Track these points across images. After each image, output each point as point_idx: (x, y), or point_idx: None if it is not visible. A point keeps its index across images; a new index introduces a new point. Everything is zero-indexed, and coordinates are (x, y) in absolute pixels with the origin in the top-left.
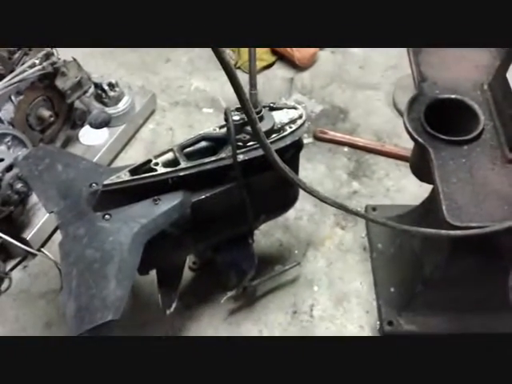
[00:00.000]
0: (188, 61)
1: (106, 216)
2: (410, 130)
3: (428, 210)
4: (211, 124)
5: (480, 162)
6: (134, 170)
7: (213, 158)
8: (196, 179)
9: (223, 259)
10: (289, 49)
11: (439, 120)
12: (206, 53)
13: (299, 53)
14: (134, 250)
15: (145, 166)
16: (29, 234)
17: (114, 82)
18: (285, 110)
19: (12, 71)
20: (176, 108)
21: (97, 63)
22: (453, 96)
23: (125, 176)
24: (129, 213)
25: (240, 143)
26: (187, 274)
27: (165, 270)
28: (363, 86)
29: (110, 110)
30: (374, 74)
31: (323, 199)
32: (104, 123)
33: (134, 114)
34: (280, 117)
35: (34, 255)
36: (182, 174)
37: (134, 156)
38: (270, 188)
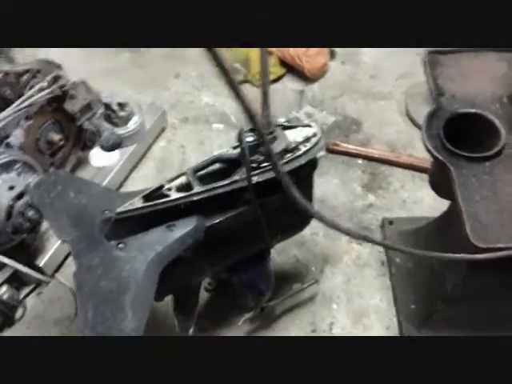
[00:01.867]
0: (197, 76)
1: (120, 245)
2: (430, 147)
3: (447, 223)
4: (221, 141)
5: (504, 178)
6: (147, 196)
7: (226, 182)
8: (210, 203)
9: (239, 280)
10: (298, 60)
11: (458, 134)
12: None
13: (309, 64)
14: (150, 279)
15: (157, 192)
16: (42, 261)
17: (123, 101)
18: (299, 128)
19: (20, 95)
20: (186, 124)
21: (105, 82)
22: (472, 110)
23: (138, 203)
24: (143, 240)
25: (254, 164)
26: (203, 294)
27: (180, 295)
28: (375, 96)
29: (120, 131)
30: (386, 83)
31: (344, 231)
32: (115, 145)
33: (144, 132)
34: (294, 135)
35: (49, 282)
36: (195, 198)
37: (145, 175)
38: (285, 208)
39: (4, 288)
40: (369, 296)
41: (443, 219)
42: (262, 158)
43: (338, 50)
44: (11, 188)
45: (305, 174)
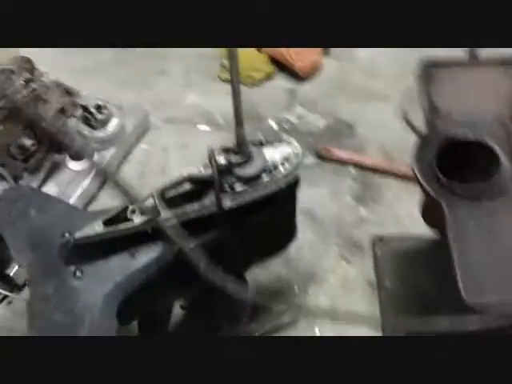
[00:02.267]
0: (183, 73)
1: (78, 273)
2: (421, 180)
3: (440, 250)
4: (205, 144)
5: (503, 220)
6: (109, 220)
7: (195, 207)
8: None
9: (213, 302)
10: (289, 57)
11: (455, 159)
12: (203, 63)
13: (300, 62)
14: (107, 312)
15: (122, 214)
16: (12, 270)
17: (101, 103)
18: (278, 145)
19: None
20: (170, 126)
21: (87, 79)
22: (470, 136)
23: (98, 227)
24: (102, 268)
25: (226, 186)
26: (177, 312)
27: (148, 319)
28: (371, 97)
29: (99, 134)
30: (382, 82)
31: None
32: (87, 155)
33: (124, 135)
34: (272, 154)
35: (20, 291)
36: (160, 224)
37: (125, 180)
38: (264, 229)
39: None
40: (355, 322)
41: (437, 244)
42: (235, 180)
43: None
44: None
45: (284, 196)
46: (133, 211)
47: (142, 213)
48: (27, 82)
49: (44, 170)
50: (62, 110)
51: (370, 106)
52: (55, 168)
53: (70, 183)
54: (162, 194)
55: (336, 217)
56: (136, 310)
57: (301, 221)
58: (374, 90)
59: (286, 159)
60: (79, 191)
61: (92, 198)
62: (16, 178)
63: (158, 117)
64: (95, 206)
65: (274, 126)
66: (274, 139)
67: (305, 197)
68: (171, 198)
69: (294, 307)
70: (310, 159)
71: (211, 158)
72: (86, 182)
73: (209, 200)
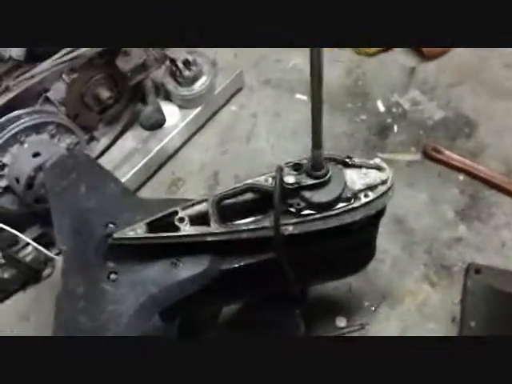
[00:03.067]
0: None
1: (112, 275)
2: None
3: None
4: (301, 116)
5: None
6: (153, 224)
7: (251, 226)
8: (228, 245)
9: (261, 318)
10: None
11: None
12: None
13: None
14: (134, 327)
15: (169, 219)
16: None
17: (191, 59)
18: (364, 169)
19: None
20: (265, 89)
21: None
22: None
23: (140, 230)
24: (139, 275)
25: (292, 209)
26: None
27: (185, 324)
28: (505, 93)
29: (184, 91)
30: None
31: None
32: (156, 125)
33: (211, 96)
34: (355, 178)
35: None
36: (209, 239)
37: (206, 142)
38: (332, 255)
39: (29, 249)
40: None
41: None
42: (303, 204)
43: None
44: (36, 155)
45: (362, 227)
46: (181, 219)
47: (192, 222)
48: None
49: (122, 122)
50: (143, 65)
51: (501, 106)
52: (134, 120)
53: (149, 140)
54: (218, 201)
55: (430, 230)
56: (174, 314)
57: (388, 228)
58: (511, 86)
59: (371, 187)
60: (154, 151)
61: (158, 167)
62: (89, 129)
63: (255, 76)
64: (157, 179)
65: (381, 108)
66: (362, 162)
67: (399, 199)
68: (228, 206)
69: (357, 324)
70: (415, 157)
71: (277, 175)
72: (165, 141)
73: (268, 221)
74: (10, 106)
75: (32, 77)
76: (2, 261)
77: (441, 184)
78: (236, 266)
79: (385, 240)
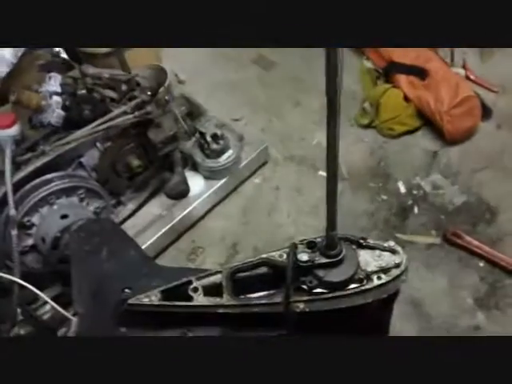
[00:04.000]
0: (319, 108)
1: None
2: None
3: None
4: (323, 193)
5: None
6: (168, 292)
7: (263, 301)
8: (240, 318)
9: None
10: (438, 117)
11: None
12: (343, 102)
13: (451, 125)
14: None
15: (183, 287)
16: None
17: (219, 133)
18: (378, 251)
19: (103, 115)
20: (290, 164)
21: (222, 95)
22: None
23: (154, 297)
24: None
25: (304, 287)
26: None
27: None
28: None
29: (210, 163)
30: None
31: None
32: (180, 195)
33: (237, 168)
34: (368, 260)
35: None
36: (220, 311)
37: (229, 213)
38: (343, 335)
39: (47, 307)
40: None
41: None
42: (316, 282)
43: (495, 109)
44: (64, 217)
45: (375, 310)
46: (195, 289)
47: (205, 293)
48: (143, 103)
49: (150, 188)
50: (174, 137)
51: None
52: (162, 186)
53: (173, 207)
54: (232, 273)
55: (448, 317)
56: None
57: (404, 312)
58: None
59: (384, 270)
60: (177, 219)
61: (180, 235)
62: (118, 195)
63: (280, 151)
64: (178, 246)
65: (402, 189)
66: (376, 243)
67: (418, 282)
68: (242, 279)
69: None
70: (435, 240)
71: (290, 253)
72: (188, 209)
73: (280, 297)
74: (45, 169)
75: (68, 143)
76: (20, 317)
77: (460, 269)
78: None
79: (400, 323)
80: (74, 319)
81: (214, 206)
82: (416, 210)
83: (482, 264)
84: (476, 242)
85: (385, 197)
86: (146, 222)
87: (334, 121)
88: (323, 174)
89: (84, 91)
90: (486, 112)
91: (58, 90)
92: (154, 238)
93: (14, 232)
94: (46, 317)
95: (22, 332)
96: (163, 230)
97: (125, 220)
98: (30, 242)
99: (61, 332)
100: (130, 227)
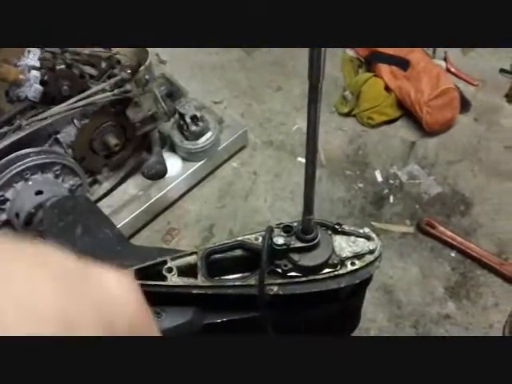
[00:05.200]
0: (301, 94)
1: None
2: None
3: None
4: (300, 179)
5: None
6: (142, 271)
7: (237, 283)
8: (213, 299)
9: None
10: (418, 108)
11: None
12: (324, 89)
13: (430, 116)
14: None
15: (156, 268)
16: None
17: (199, 115)
18: (353, 237)
19: (82, 91)
20: (268, 149)
21: (204, 77)
22: None
23: None
24: None
25: (279, 270)
26: None
27: None
28: (503, 175)
29: (188, 145)
30: None
31: None
32: (158, 176)
33: (215, 151)
34: (343, 245)
35: None
36: (194, 291)
37: (205, 196)
38: (313, 320)
39: None
40: None
41: None
42: (290, 266)
43: (474, 102)
44: (38, 193)
45: (347, 294)
46: (169, 269)
47: (180, 273)
48: (122, 81)
49: (125, 168)
50: (153, 117)
51: (497, 186)
52: (138, 168)
53: (150, 188)
54: (207, 255)
55: (418, 305)
56: None
57: (376, 298)
58: (509, 168)
59: (358, 256)
60: (153, 200)
61: (155, 216)
62: (94, 173)
63: (259, 136)
64: (153, 227)
65: (379, 178)
66: (351, 230)
67: (390, 270)
68: (217, 260)
69: None
70: (408, 229)
71: (266, 236)
72: (164, 191)
73: (254, 279)
74: (21, 144)
75: (45, 118)
76: None
77: (433, 259)
78: (219, 321)
79: (372, 309)
80: None
81: (190, 188)
82: (392, 199)
83: (453, 254)
84: (449, 233)
85: (361, 185)
86: (122, 202)
87: (314, 106)
88: (302, 160)
89: (63, 66)
90: (465, 105)
91: (37, 64)
92: (129, 218)
93: None
94: None
95: None
96: (138, 211)
97: (100, 199)
98: (3, 217)
99: None
100: (105, 206)
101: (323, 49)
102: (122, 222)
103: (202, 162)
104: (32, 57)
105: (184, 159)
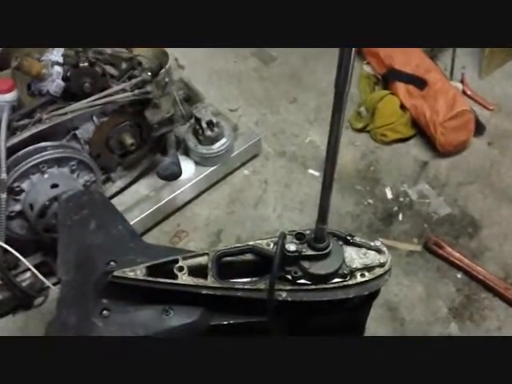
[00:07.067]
0: (315, 107)
1: (104, 312)
2: None
3: None
4: (311, 190)
5: None
6: (153, 268)
7: (247, 286)
8: (222, 300)
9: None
10: (432, 128)
11: None
12: None
13: (444, 137)
14: None
15: (167, 266)
16: None
17: (215, 120)
18: (364, 249)
19: (103, 89)
20: (280, 159)
21: (220, 84)
22: None
23: (140, 272)
24: (131, 317)
25: (288, 276)
26: None
27: None
28: None
29: (202, 150)
30: None
31: None
32: (172, 177)
33: (228, 157)
34: (354, 256)
35: None
36: (204, 292)
37: (215, 201)
38: (317, 329)
39: (27, 275)
40: None
41: None
42: (300, 273)
43: (488, 126)
44: (54, 186)
45: (354, 305)
46: (180, 268)
47: (190, 273)
48: (143, 82)
49: (139, 168)
50: (170, 119)
51: (507, 210)
52: (151, 168)
53: (162, 189)
54: (219, 257)
55: (421, 324)
56: None
57: (379, 315)
58: None
59: (368, 268)
60: (164, 201)
61: (166, 217)
62: (108, 171)
63: (272, 146)
64: (162, 228)
65: (389, 195)
66: (363, 242)
67: (395, 287)
68: (228, 263)
69: None
70: (416, 247)
71: (279, 241)
72: (176, 193)
73: (264, 284)
74: (39, 137)
75: (65, 114)
76: (0, 282)
77: (438, 279)
78: (225, 323)
79: (375, 325)
80: (53, 288)
81: (201, 193)
82: (401, 216)
83: (459, 275)
84: (456, 254)
85: (371, 201)
86: (133, 201)
87: (338, 115)
88: (313, 172)
89: (86, 64)
90: (480, 128)
91: (60, 60)
92: (140, 217)
93: (3, 195)
94: (25, 284)
95: (0, 297)
96: (149, 211)
97: (112, 197)
98: (17, 207)
99: (38, 301)
100: (116, 204)
101: (352, 55)
102: (132, 221)
103: (215, 167)
104: (56, 53)
105: (197, 163)
